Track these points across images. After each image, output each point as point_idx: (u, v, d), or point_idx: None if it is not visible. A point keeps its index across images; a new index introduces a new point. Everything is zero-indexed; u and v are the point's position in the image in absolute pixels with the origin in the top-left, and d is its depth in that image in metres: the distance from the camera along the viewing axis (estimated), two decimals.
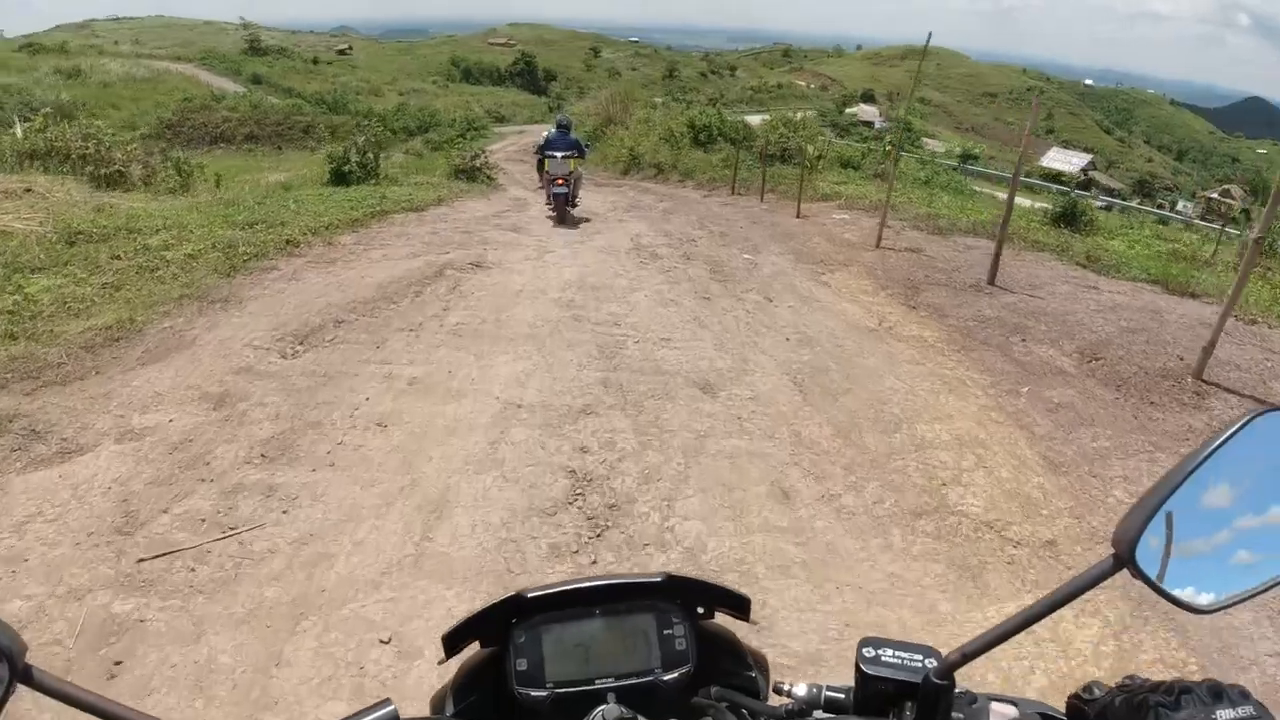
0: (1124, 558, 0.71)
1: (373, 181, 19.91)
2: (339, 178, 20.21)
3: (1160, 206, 46.27)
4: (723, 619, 1.06)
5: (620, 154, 30.52)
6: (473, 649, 1.02)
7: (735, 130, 28.85)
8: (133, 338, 7.80)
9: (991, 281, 10.94)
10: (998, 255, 11.13)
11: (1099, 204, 45.14)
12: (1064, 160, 50.90)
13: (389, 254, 11.82)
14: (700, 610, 1.02)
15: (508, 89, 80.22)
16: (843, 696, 0.92)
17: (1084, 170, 51.76)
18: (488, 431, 5.92)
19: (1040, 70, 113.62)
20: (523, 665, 0.95)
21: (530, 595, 0.96)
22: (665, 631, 0.98)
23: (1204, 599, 0.75)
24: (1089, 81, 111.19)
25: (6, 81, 53.88)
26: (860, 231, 15.48)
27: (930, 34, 14.85)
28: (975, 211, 18.34)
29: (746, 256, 13.08)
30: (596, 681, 0.96)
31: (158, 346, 7.61)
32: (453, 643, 0.98)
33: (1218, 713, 0.70)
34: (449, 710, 0.99)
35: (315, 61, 78.49)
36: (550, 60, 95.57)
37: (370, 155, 20.64)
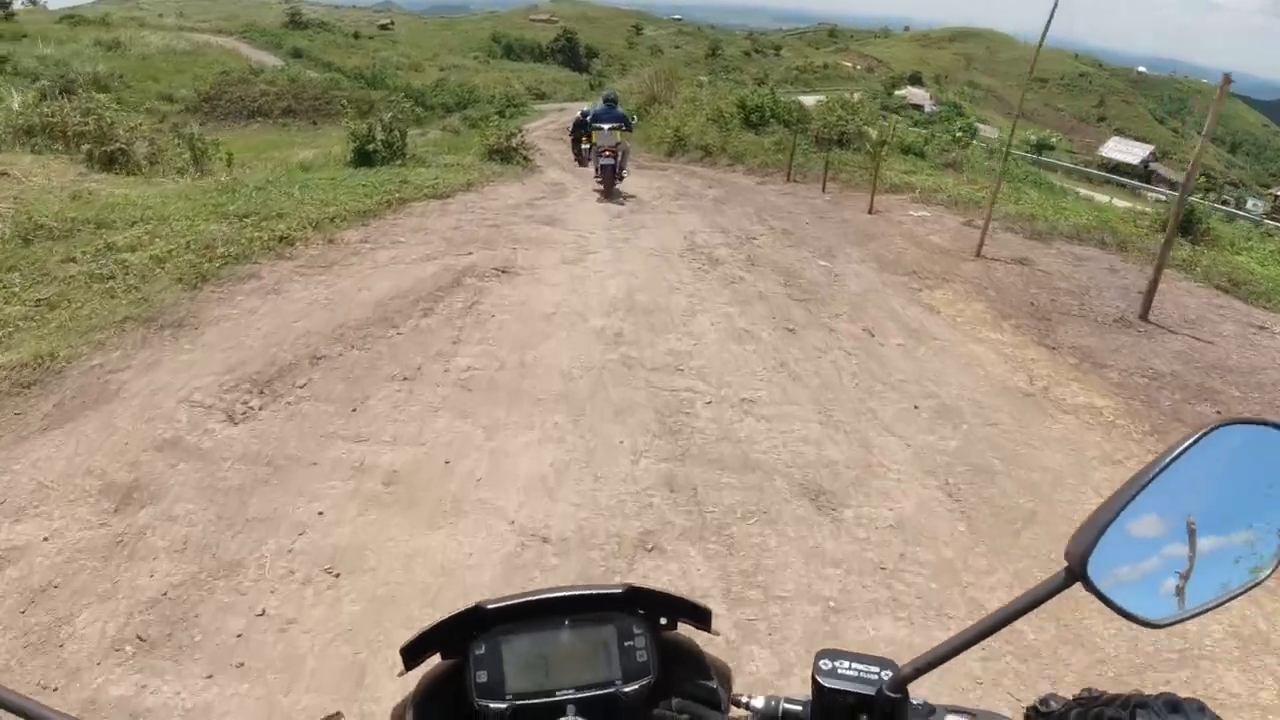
0: (1076, 571, 0.69)
1: (399, 162, 17.79)
2: (363, 158, 18.13)
3: (1225, 203, 43.09)
4: (686, 630, 1.02)
5: (665, 134, 28.20)
6: (434, 661, 0.97)
7: (789, 112, 26.40)
8: (48, 382, 5.78)
9: (1144, 316, 8.61)
10: (1154, 285, 8.79)
11: (1160, 196, 42.17)
12: (1124, 150, 47.61)
13: (400, 255, 9.71)
14: (663, 621, 0.98)
15: (549, 66, 77.65)
16: (800, 709, 0.89)
17: (1144, 162, 48.47)
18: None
19: (1092, 56, 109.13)
20: (483, 677, 0.91)
21: (490, 606, 0.93)
22: (626, 643, 0.94)
23: (1157, 613, 0.74)
24: (1142, 69, 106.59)
25: (44, 53, 52.38)
26: (947, 233, 13.15)
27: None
28: (1073, 212, 15.86)
29: (822, 263, 10.83)
30: (557, 693, 0.92)
31: (74, 398, 5.57)
32: (412, 655, 0.94)
33: None
34: None
35: (356, 36, 76.46)
36: (592, 37, 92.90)
37: (397, 133, 18.48)
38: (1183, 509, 0.72)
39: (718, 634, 1.03)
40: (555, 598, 0.96)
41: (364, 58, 62.38)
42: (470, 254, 9.81)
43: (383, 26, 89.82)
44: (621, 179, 14.81)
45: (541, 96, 58.44)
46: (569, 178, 19.93)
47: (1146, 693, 0.72)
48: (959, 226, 13.80)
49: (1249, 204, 44.61)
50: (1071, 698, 0.79)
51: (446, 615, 0.94)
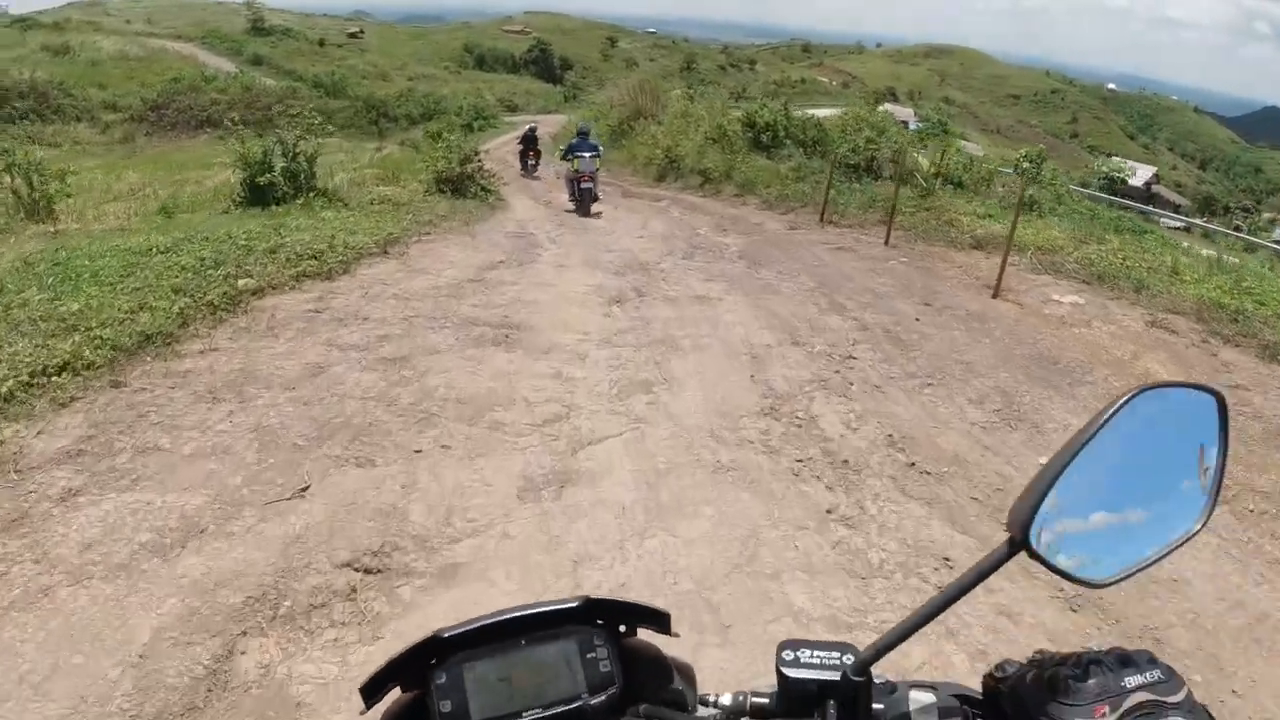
0: (1018, 540, 0.69)
1: (300, 200, 12.05)
2: (255, 194, 12.43)
3: (1236, 228, 37.76)
4: (646, 635, 0.96)
5: (653, 155, 22.75)
6: (394, 696, 0.89)
7: (804, 130, 20.93)
8: None
9: None
10: None
11: (1175, 223, 36.69)
12: (1142, 175, 42.55)
13: (111, 526, 4.09)
14: (622, 629, 0.93)
15: (521, 77, 71.64)
16: (767, 701, 0.86)
17: (1147, 184, 43.47)
18: None
19: (1062, 73, 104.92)
20: (446, 707, 0.85)
21: (448, 634, 0.87)
22: (588, 655, 0.89)
23: (1099, 573, 0.74)
24: (1112, 86, 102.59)
25: None
26: (1155, 349, 7.84)
27: None
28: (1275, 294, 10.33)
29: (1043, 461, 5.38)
30: (524, 714, 0.86)
31: None
32: (371, 691, 0.87)
33: (1126, 679, 0.68)
34: None
35: (322, 43, 69.92)
36: (566, 49, 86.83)
37: (302, 160, 12.74)
38: (1115, 472, 0.72)
39: (677, 635, 0.93)
40: (512, 618, 0.89)
41: (329, 65, 56.22)
42: (305, 494, 4.26)
43: (351, 35, 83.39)
44: (596, 199, 15.24)
45: (513, 109, 52.65)
46: (540, 214, 14.46)
47: (1095, 649, 0.71)
48: (1143, 329, 8.48)
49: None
50: (1025, 661, 0.76)
51: (402, 649, 0.87)
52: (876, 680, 0.80)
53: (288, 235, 9.12)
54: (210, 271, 7.34)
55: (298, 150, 12.76)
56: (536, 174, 21.81)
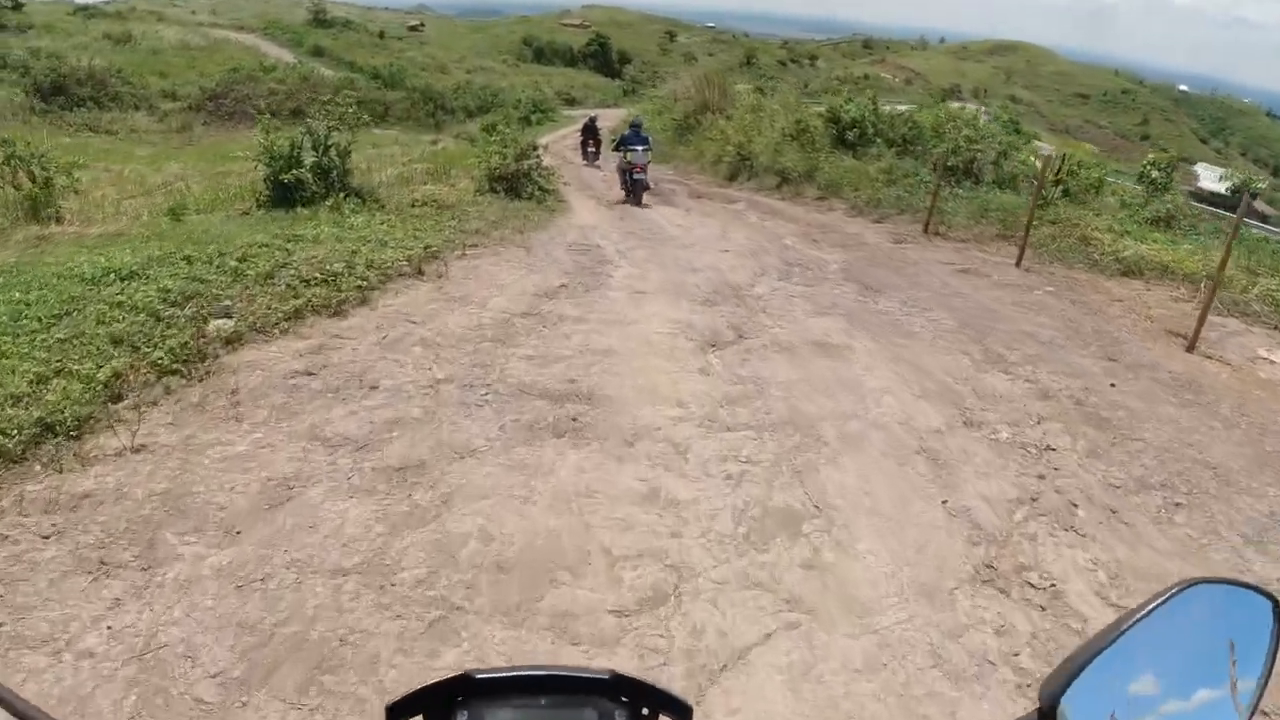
0: (1046, 711, 0.66)
1: (330, 202, 10.00)
2: (281, 194, 10.44)
3: None
4: None
5: (723, 151, 20.44)
6: None
7: (895, 128, 18.47)
8: None
9: None
10: None
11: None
12: (1214, 179, 39.00)
13: None
14: (644, 712, 0.88)
15: (580, 70, 69.10)
16: None
17: (1235, 190, 39.83)
18: None
19: (1133, 72, 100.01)
20: None
21: (479, 676, 0.84)
22: None
23: None
24: (1183, 87, 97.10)
25: (38, 45, 45.25)
26: None
27: None
28: None
29: None
30: None
31: None
32: (396, 714, 0.84)
33: None
34: None
35: (382, 36, 68.18)
36: (624, 43, 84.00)
37: (334, 155, 10.71)
38: (1152, 663, 0.68)
39: None
40: (542, 676, 0.87)
41: (388, 58, 54.45)
42: None
43: (412, 28, 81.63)
44: (648, 188, 15.27)
45: (572, 102, 50.42)
46: (605, 219, 12.36)
47: None
48: None
49: None
50: None
51: (435, 680, 0.84)
52: None
53: (297, 250, 7.07)
54: (173, 311, 5.28)
55: (330, 143, 10.71)
56: (597, 163, 20.67)
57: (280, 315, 5.63)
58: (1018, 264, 10.64)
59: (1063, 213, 13.13)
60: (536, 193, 13.12)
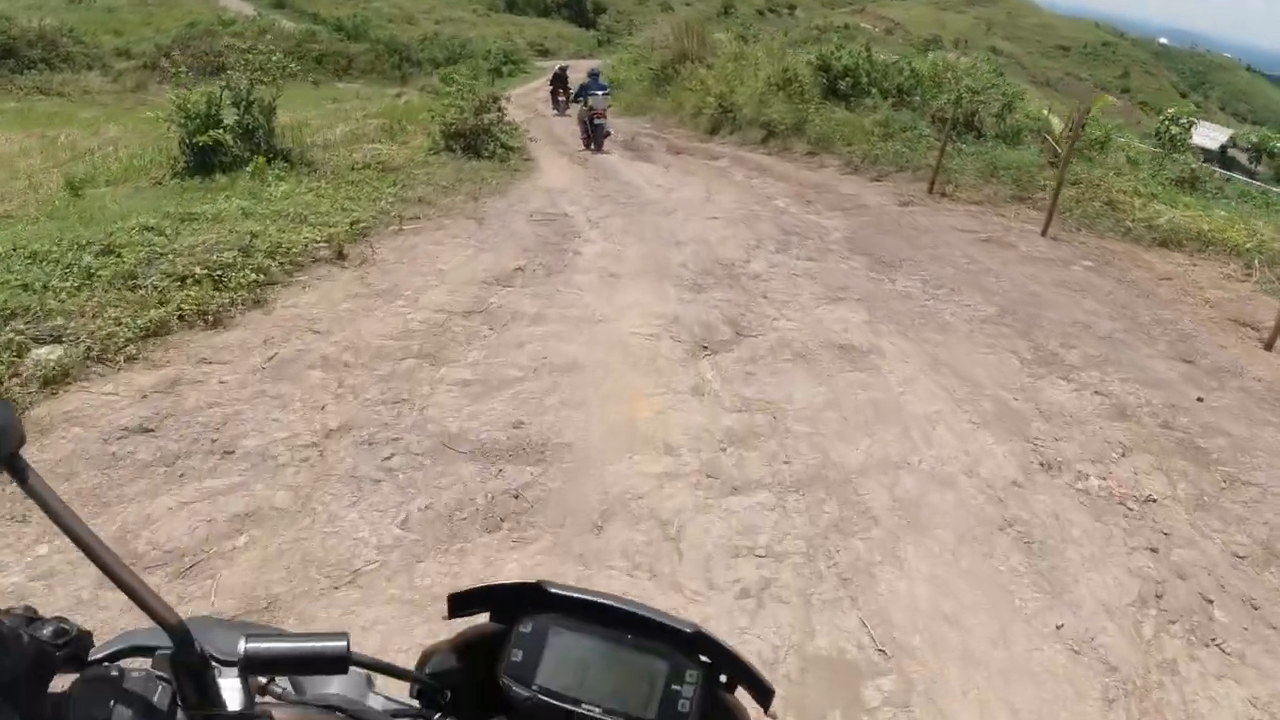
0: None
1: (251, 167, 8.41)
2: (200, 160, 8.84)
3: None
4: (744, 699, 0.85)
5: (704, 103, 18.82)
6: (482, 619, 0.85)
7: (889, 78, 16.92)
8: None
9: None
10: None
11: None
12: (1207, 135, 37.48)
13: None
14: (722, 679, 0.83)
15: (553, 20, 66.33)
16: None
17: (1223, 147, 38.21)
18: None
19: (1111, 24, 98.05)
20: (517, 655, 0.80)
21: (551, 590, 0.81)
22: (674, 686, 0.79)
23: None
24: (1164, 40, 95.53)
25: None
26: None
27: None
28: None
29: None
30: (584, 705, 0.78)
31: None
32: (459, 605, 0.82)
33: None
34: (431, 669, 0.83)
35: None
36: None
37: (257, 113, 9.11)
38: None
39: (773, 717, 0.83)
40: (619, 609, 0.81)
41: (353, 9, 51.82)
42: None
43: None
44: (608, 135, 15.05)
45: (545, 53, 48.18)
46: (577, 179, 10.91)
47: None
48: None
49: None
50: None
51: (509, 581, 0.81)
52: None
53: (184, 235, 5.52)
54: None
55: (252, 99, 9.08)
56: (568, 112, 19.88)
57: (131, 334, 4.10)
58: (1044, 232, 9.23)
59: (1082, 172, 11.73)
60: (499, 151, 11.55)
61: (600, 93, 15.19)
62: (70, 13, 45.27)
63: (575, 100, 16.20)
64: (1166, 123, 16.83)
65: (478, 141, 11.39)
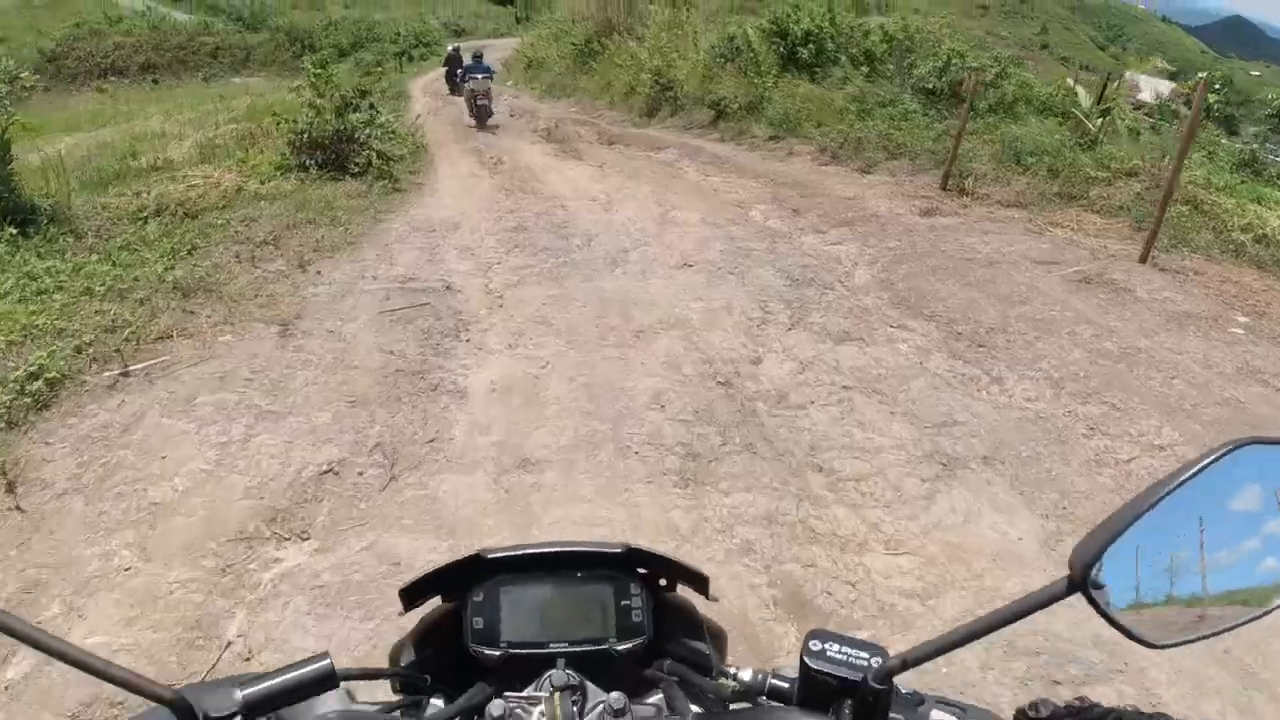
0: (1078, 582, 0.59)
1: None
2: None
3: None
4: (685, 593, 0.91)
5: (637, 80, 15.56)
6: (435, 605, 0.88)
7: (854, 44, 13.90)
8: None
9: None
10: None
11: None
12: (1150, 89, 34.89)
13: None
14: (662, 583, 0.89)
15: None
16: (786, 686, 0.77)
17: (1168, 100, 35.87)
18: None
19: None
20: (479, 624, 0.82)
21: (490, 556, 0.84)
22: (623, 602, 0.85)
23: (1158, 634, 0.62)
24: None
25: None
26: None
27: None
28: None
29: None
30: (550, 645, 0.82)
31: None
32: (412, 597, 0.85)
33: None
34: (405, 661, 0.86)
35: None
36: None
37: None
38: (1195, 528, 0.60)
39: (716, 599, 0.87)
40: (555, 552, 0.85)
41: None
42: None
43: None
44: (491, 114, 14.53)
45: (460, 33, 43.79)
46: (483, 208, 7.47)
47: (1142, 710, 0.67)
48: None
49: None
50: (1063, 705, 0.67)
51: (448, 561, 0.84)
52: (905, 691, 0.71)
53: None
54: None
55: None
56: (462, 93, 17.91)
57: None
58: (1143, 259, 6.19)
59: (1127, 157, 8.81)
60: (373, 164, 8.13)
61: (481, 75, 14.82)
62: None
63: (462, 81, 15.71)
64: (1187, 89, 13.89)
65: (342, 154, 7.98)
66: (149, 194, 6.58)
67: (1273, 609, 0.62)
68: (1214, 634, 0.62)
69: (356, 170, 7.94)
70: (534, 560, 0.84)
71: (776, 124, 11.98)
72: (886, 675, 0.67)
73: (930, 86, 12.27)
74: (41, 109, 30.63)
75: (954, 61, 12.32)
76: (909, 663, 0.65)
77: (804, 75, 13.06)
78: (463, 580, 0.84)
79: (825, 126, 11.50)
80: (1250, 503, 0.62)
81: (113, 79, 34.17)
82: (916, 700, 0.73)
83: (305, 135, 7.96)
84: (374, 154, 8.24)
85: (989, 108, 11.95)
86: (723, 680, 0.80)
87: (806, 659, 0.71)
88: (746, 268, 5.63)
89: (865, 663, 0.70)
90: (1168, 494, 0.57)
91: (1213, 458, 0.57)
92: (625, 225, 6.77)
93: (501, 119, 14.61)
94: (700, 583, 0.87)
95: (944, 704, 0.73)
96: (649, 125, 14.14)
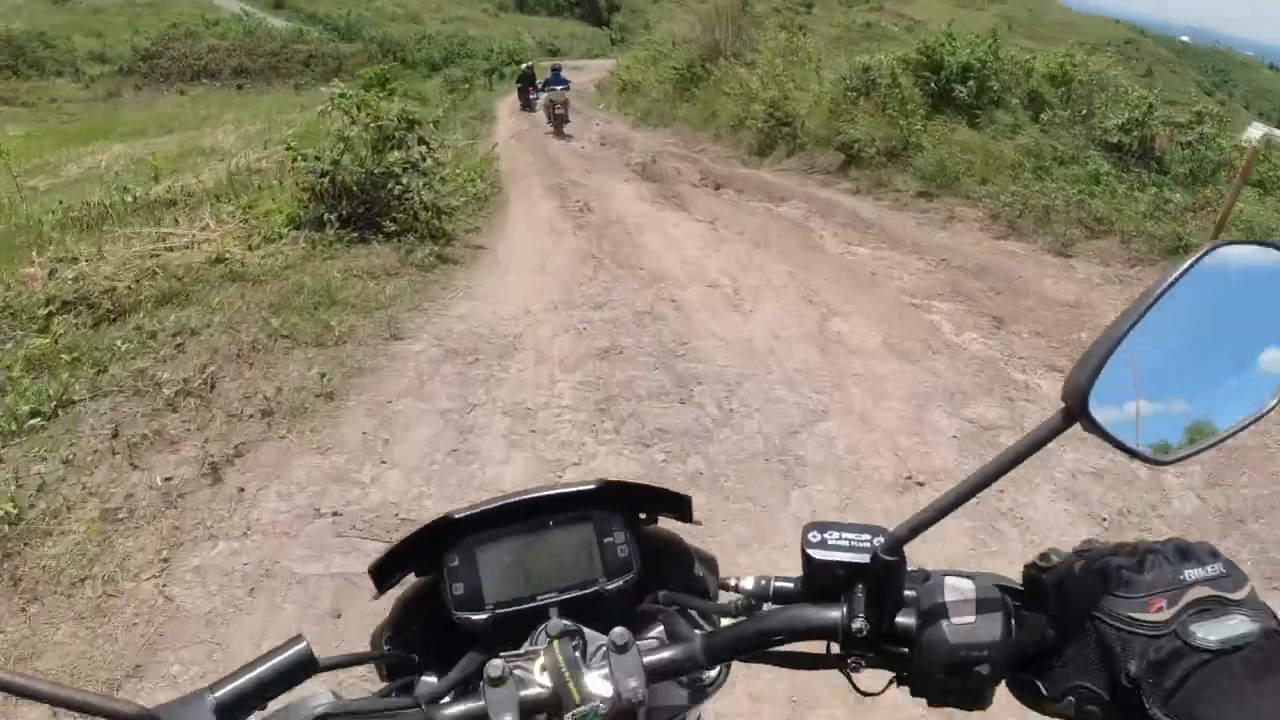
0: (1075, 410, 0.55)
1: None
2: None
3: None
4: (668, 523, 0.84)
5: (747, 111, 12.95)
6: (409, 581, 0.80)
7: (1022, 83, 11.23)
8: None
9: None
10: None
11: None
12: (1260, 135, 31.35)
13: None
14: (642, 516, 0.81)
15: (565, 19, 59.95)
16: (791, 585, 0.71)
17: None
18: None
19: (1131, 21, 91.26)
20: (459, 590, 0.75)
21: (458, 516, 0.75)
22: (605, 540, 0.78)
23: (1163, 449, 0.59)
24: (1185, 38, 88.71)
25: None
26: None
27: None
28: None
29: None
30: (538, 598, 0.76)
31: None
32: (382, 575, 0.77)
33: (1185, 572, 0.56)
34: (388, 643, 0.79)
35: None
36: None
37: None
38: (1180, 340, 0.58)
39: (699, 523, 0.78)
40: (526, 500, 0.78)
41: (355, 6, 45.74)
42: None
43: None
44: (568, 121, 15.27)
45: (555, 52, 41.95)
46: (557, 306, 4.79)
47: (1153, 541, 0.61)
48: None
49: None
50: (1073, 550, 0.62)
51: (414, 530, 0.76)
52: (910, 569, 0.65)
53: None
54: None
55: None
56: (538, 106, 17.40)
57: None
58: None
59: None
60: (416, 221, 5.73)
61: (559, 87, 15.55)
62: (54, 14, 40.07)
63: (541, 91, 16.32)
64: None
65: (375, 205, 5.58)
66: (73, 270, 4.27)
67: (1264, 413, 0.59)
68: (1218, 441, 0.60)
69: (391, 230, 5.55)
70: (505, 513, 0.75)
71: (928, 177, 9.38)
72: (896, 545, 0.62)
73: (1116, 141, 9.61)
74: (129, 108, 29.68)
75: (1154, 113, 9.62)
76: (916, 528, 0.61)
77: (961, 118, 10.38)
78: (434, 548, 0.74)
79: (992, 184, 8.90)
80: (1224, 306, 0.59)
81: (205, 81, 33.43)
82: (923, 575, 0.66)
83: (328, 178, 5.60)
84: (418, 207, 5.84)
85: (1189, 174, 9.33)
86: (724, 596, 0.76)
87: (809, 550, 0.66)
88: (1017, 499, 2.99)
89: (869, 543, 0.65)
90: (1148, 309, 0.54)
91: (1187, 266, 0.55)
92: (774, 353, 4.23)
93: (592, 148, 13.16)
94: (681, 507, 0.80)
95: (952, 574, 0.65)
96: (761, 165, 11.73)
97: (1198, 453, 0.60)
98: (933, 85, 10.68)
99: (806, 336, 4.57)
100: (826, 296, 5.49)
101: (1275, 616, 0.55)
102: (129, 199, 6.87)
